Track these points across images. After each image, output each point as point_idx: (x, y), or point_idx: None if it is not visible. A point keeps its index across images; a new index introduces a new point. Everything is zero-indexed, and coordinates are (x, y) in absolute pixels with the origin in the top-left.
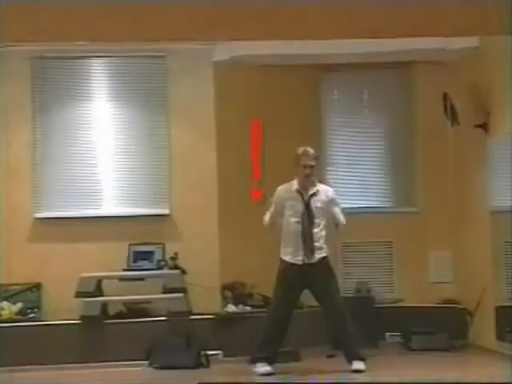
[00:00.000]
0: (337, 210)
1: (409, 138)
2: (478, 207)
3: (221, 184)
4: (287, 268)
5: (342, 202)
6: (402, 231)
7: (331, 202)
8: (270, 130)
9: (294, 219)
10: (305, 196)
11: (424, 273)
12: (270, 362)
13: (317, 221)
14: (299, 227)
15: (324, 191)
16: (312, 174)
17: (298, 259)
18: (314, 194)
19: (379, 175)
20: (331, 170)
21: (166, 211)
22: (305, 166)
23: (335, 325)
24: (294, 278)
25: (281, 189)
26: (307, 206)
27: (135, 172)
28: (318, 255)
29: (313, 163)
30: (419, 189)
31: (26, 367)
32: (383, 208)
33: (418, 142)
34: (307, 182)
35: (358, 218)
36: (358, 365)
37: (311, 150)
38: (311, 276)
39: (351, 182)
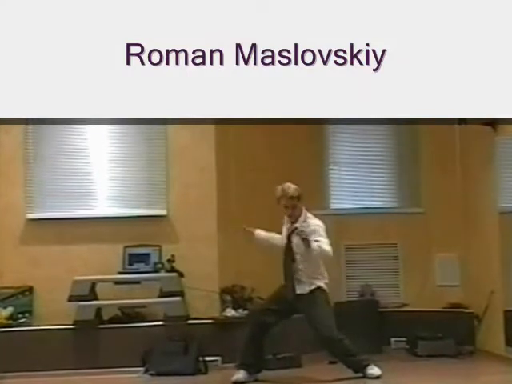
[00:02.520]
0: (318, 241)
1: (414, 136)
2: (486, 208)
3: (219, 183)
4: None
5: (345, 202)
6: (407, 233)
7: (313, 234)
8: (270, 127)
9: (282, 249)
10: (289, 230)
11: (430, 276)
12: (252, 369)
13: (299, 257)
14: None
15: (309, 225)
16: (293, 213)
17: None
18: (297, 229)
19: (383, 174)
20: (334, 169)
21: (162, 212)
22: (285, 207)
23: (329, 351)
24: (285, 298)
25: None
26: (288, 241)
27: (131, 171)
28: (304, 289)
29: (293, 202)
30: (425, 189)
31: (17, 374)
32: (388, 209)
33: (424, 140)
34: (289, 219)
35: (362, 219)
36: (371, 370)
37: (290, 191)
38: (298, 305)
39: (354, 181)
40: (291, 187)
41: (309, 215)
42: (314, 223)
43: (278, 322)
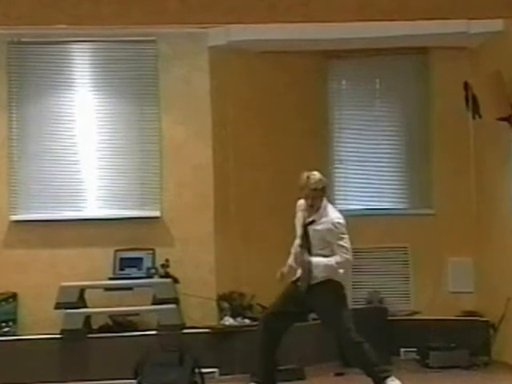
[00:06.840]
0: (336, 245)
1: (425, 133)
2: (501, 209)
3: (217, 183)
4: (293, 283)
5: (351, 203)
6: (418, 235)
7: (330, 234)
8: (272, 123)
9: (297, 241)
10: (306, 220)
11: (442, 282)
12: (265, 382)
13: (315, 250)
14: (299, 250)
15: (328, 221)
16: (314, 204)
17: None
18: (314, 222)
19: (393, 173)
20: (339, 168)
21: (156, 213)
22: (307, 196)
23: (345, 353)
24: (298, 294)
25: (301, 203)
26: (305, 232)
27: (122, 170)
28: (316, 280)
29: (316, 194)
30: (437, 189)
31: None
32: (397, 210)
33: (436, 136)
34: (310, 209)
35: (370, 221)
36: (392, 382)
37: (313, 181)
38: (309, 299)
39: (362, 181)
40: (316, 178)
41: (329, 208)
42: (331, 219)
43: (290, 326)
